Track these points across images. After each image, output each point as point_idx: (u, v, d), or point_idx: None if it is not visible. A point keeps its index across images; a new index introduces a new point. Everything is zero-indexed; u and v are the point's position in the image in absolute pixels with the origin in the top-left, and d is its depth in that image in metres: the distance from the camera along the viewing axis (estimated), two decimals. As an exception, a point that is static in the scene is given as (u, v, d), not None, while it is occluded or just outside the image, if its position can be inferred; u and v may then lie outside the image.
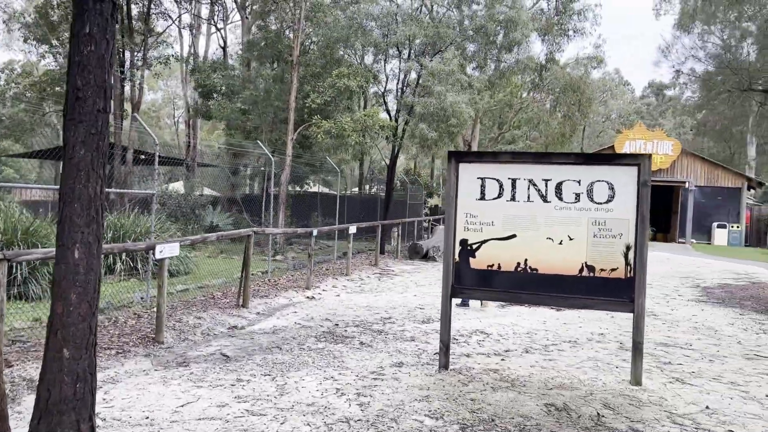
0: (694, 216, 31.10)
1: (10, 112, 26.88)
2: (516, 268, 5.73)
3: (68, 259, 3.47)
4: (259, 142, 12.97)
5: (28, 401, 4.80)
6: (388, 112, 19.70)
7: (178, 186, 25.77)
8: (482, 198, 5.86)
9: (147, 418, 4.46)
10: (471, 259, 5.85)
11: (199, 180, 25.42)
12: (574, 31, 23.87)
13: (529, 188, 5.73)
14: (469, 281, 5.86)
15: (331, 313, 8.93)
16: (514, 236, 5.75)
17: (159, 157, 21.87)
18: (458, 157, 5.98)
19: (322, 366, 5.98)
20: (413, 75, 17.85)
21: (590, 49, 37.08)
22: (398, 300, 10.36)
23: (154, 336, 6.91)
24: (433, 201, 33.51)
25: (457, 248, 5.89)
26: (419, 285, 12.46)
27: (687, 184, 31.50)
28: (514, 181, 5.78)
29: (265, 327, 7.91)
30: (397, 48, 18.25)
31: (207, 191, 25.36)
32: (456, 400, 5.01)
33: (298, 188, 26.88)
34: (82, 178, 3.49)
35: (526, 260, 5.70)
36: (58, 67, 23.46)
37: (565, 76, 25.28)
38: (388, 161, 20.41)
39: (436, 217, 26.00)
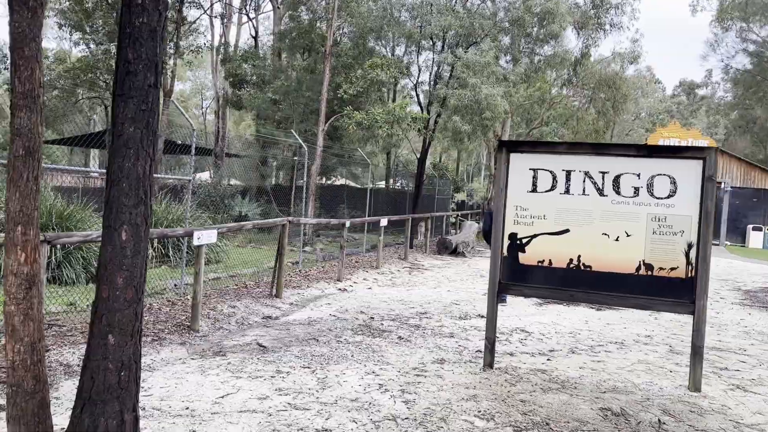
0: (728, 218, 30.30)
1: (42, 98, 27.07)
2: (568, 264, 5.47)
3: (115, 241, 3.31)
4: (293, 131, 12.82)
5: (65, 387, 4.70)
6: (420, 104, 19.42)
7: (204, 176, 25.83)
8: (534, 190, 5.59)
9: (187, 408, 4.31)
10: (520, 254, 5.60)
11: (229, 170, 25.43)
12: (611, 26, 23.31)
13: (584, 181, 5.46)
14: (518, 277, 5.61)
15: (365, 306, 8.74)
16: (567, 231, 5.48)
17: (183, 146, 21.90)
18: (510, 146, 5.72)
19: (362, 360, 5.79)
20: (446, 67, 17.53)
21: (627, 44, 36.30)
22: (432, 295, 10.13)
23: (189, 324, 6.78)
24: (460, 196, 33.16)
25: (506, 243, 5.64)
26: (451, 280, 12.21)
27: (722, 185, 30.69)
28: (568, 173, 5.50)
29: (300, 318, 7.74)
30: (431, 39, 17.94)
31: (233, 181, 25.36)
32: (505, 401, 4.78)
33: (325, 180, 26.77)
34: (131, 156, 3.32)
35: (579, 257, 5.44)
36: (89, 55, 23.64)
37: (600, 71, 24.74)
38: (418, 155, 20.15)
39: (464, 212, 25.67)
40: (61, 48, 37.68)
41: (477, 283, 11.66)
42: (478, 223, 24.69)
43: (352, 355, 5.94)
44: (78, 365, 5.20)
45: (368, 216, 16.33)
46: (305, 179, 13.69)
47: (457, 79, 16.69)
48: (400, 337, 6.80)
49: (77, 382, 4.78)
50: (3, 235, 4.47)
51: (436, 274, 13.08)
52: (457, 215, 24.90)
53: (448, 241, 17.71)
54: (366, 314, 8.12)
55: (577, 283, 5.44)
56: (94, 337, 3.32)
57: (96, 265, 9.27)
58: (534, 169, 5.60)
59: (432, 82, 18.49)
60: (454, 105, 16.08)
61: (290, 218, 9.16)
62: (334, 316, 7.94)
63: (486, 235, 10.44)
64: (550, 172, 5.55)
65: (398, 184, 34.36)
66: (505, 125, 24.27)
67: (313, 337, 6.69)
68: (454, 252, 17.57)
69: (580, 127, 25.33)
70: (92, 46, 23.73)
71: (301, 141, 12.53)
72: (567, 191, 5.51)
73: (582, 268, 5.43)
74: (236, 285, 9.72)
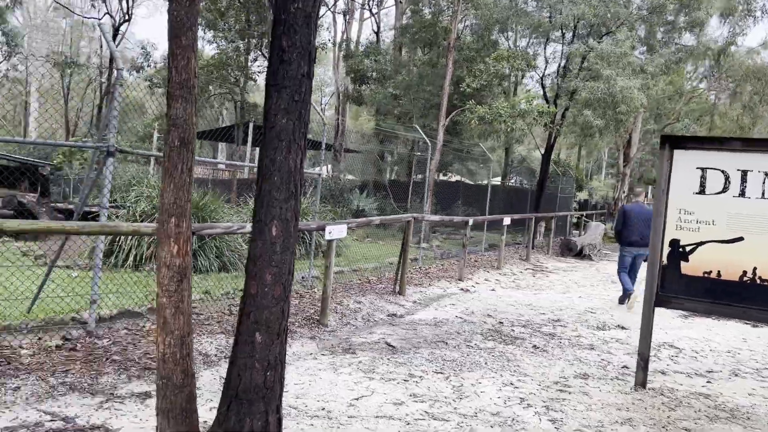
0: None
1: (197, 89, 28.90)
2: (741, 277, 4.79)
3: (265, 236, 3.21)
4: (416, 126, 12.66)
5: (205, 377, 4.75)
6: (546, 97, 18.58)
7: (321, 170, 26.34)
8: (701, 192, 4.96)
9: (323, 409, 4.19)
10: (683, 263, 4.99)
11: (346, 165, 25.83)
12: (763, 12, 21.06)
13: (764, 182, 4.75)
14: (679, 289, 5.00)
15: (491, 309, 8.36)
16: (740, 239, 4.80)
17: (309, 140, 22.35)
18: (674, 142, 5.11)
19: (497, 369, 5.44)
20: (576, 58, 16.59)
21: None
22: (562, 300, 9.54)
23: (318, 318, 6.75)
24: (582, 195, 31.61)
25: (666, 250, 5.05)
26: (580, 285, 11.49)
27: None
28: (744, 173, 4.82)
29: (425, 318, 7.51)
30: (561, 29, 17.07)
31: (349, 176, 25.71)
32: (666, 428, 4.25)
33: (441, 176, 26.47)
34: (282, 149, 3.20)
35: (755, 269, 4.74)
36: (221, 52, 24.84)
37: (747, 62, 22.47)
38: (540, 150, 19.31)
39: (588, 212, 24.37)
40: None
41: (610, 290, 10.87)
42: (604, 223, 23.35)
43: (485, 363, 5.60)
44: (216, 355, 5.28)
45: (487, 214, 15.82)
46: (427, 174, 13.43)
47: (588, 71, 15.74)
48: (535, 346, 6.37)
49: (215, 373, 4.84)
50: (156, 226, 4.61)
51: (563, 278, 12.38)
52: (582, 215, 23.68)
53: (573, 243, 16.80)
54: (494, 318, 7.74)
55: (752, 299, 4.75)
56: (241, 334, 3.24)
57: (227, 255, 9.58)
58: (702, 168, 4.96)
59: (560, 75, 17.59)
60: (585, 98, 15.16)
61: (415, 215, 8.95)
62: (460, 318, 7.63)
63: (618, 234, 9.77)
64: (722, 171, 4.89)
65: (512, 181, 33.34)
66: (637, 121, 22.71)
67: (442, 339, 6.42)
68: (579, 254, 16.64)
69: (721, 124, 23.17)
70: (224, 43, 24.90)
71: (424, 135, 12.30)
72: (742, 194, 4.83)
73: (759, 282, 4.73)
74: (359, 280, 9.67)
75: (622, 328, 7.72)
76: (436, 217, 10.14)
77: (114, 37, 24.56)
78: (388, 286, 9.29)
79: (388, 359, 5.53)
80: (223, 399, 3.28)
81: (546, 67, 18.49)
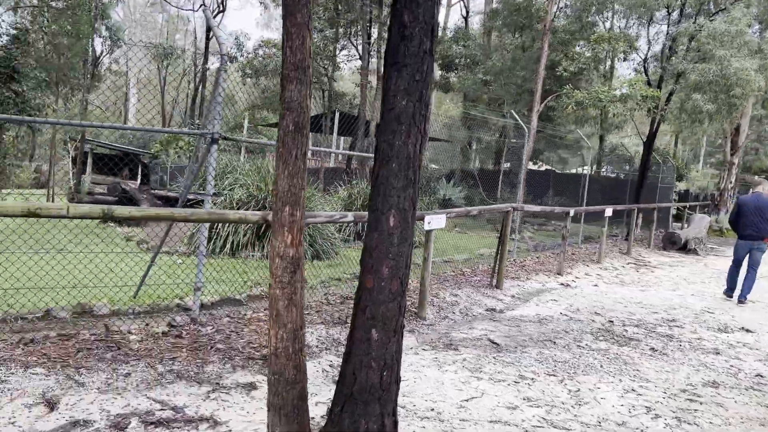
0: None
1: (266, 83, 29.65)
2: None
3: (382, 226, 2.99)
4: (512, 111, 12.13)
5: (308, 369, 4.62)
6: (648, 81, 17.46)
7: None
8: None
9: (432, 410, 3.95)
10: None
11: (433, 154, 25.48)
12: None
13: None
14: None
15: (597, 306, 7.85)
16: None
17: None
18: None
19: (614, 373, 5.01)
20: (683, 39, 15.42)
21: None
22: (673, 298, 8.85)
23: (416, 310, 6.54)
24: (682, 185, 29.75)
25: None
26: (690, 282, 10.67)
27: None
28: None
29: (528, 314, 7.13)
30: (667, 8, 15.92)
31: (432, 165, 25.35)
32: (824, 451, 3.72)
33: (530, 165, 25.60)
34: (402, 133, 2.96)
35: None
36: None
37: None
38: (642, 138, 18.20)
39: (692, 203, 22.84)
40: (280, 36, 40.91)
41: (723, 288, 10.01)
42: (710, 215, 21.83)
43: (601, 366, 5.19)
44: (317, 347, 5.16)
45: (584, 205, 15.06)
46: (524, 161, 12.90)
47: (697, 52, 14.59)
48: (653, 349, 5.86)
49: (317, 365, 4.71)
50: (267, 214, 4.51)
51: (669, 274, 11.56)
52: (686, 206, 22.22)
53: (677, 236, 15.73)
54: (602, 316, 7.24)
55: None
56: (356, 330, 3.05)
57: (320, 243, 9.52)
58: None
59: (666, 56, 16.42)
60: (694, 81, 14.05)
61: (514, 204, 8.54)
62: (565, 315, 7.20)
63: (733, 224, 9.05)
64: None
65: (603, 170, 31.79)
66: (747, 105, 20.98)
67: (549, 338, 6.04)
68: (683, 248, 15.57)
69: None
70: (314, 34, 25.15)
71: (520, 121, 11.77)
72: None
73: None
74: (453, 271, 9.39)
75: (748, 330, 7.03)
76: (537, 208, 9.68)
77: (208, 28, 25.26)
78: (484, 278, 8.95)
79: (494, 358, 5.23)
80: (337, 398, 3.11)
81: (648, 49, 17.34)
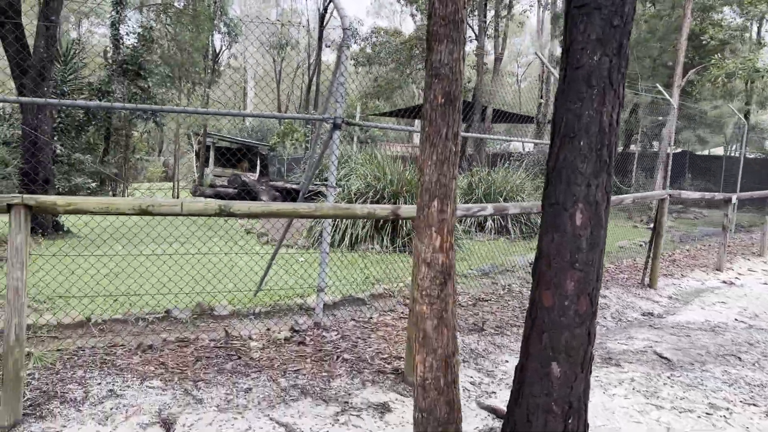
0: None
1: (378, 71, 29.39)
2: None
3: (565, 225, 2.25)
4: (658, 86, 10.78)
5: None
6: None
7: (517, 145, 24.94)
8: None
9: (609, 450, 3.16)
10: None
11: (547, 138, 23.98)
12: None
13: None
14: None
15: (778, 311, 6.58)
16: None
17: (507, 114, 21.10)
18: None
19: (834, 404, 3.93)
20: None
21: None
22: None
23: (561, 316, 5.69)
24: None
25: None
26: None
27: None
28: None
29: (694, 320, 6.05)
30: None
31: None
32: None
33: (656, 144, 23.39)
34: (593, 99, 2.20)
35: None
36: (417, 28, 24.46)
37: None
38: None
39: None
40: (391, 26, 40.59)
41: None
42: None
43: (813, 393, 4.11)
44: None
45: (738, 190, 13.27)
46: (670, 141, 11.47)
47: None
48: None
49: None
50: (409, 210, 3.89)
51: None
52: None
53: None
54: (790, 324, 6.01)
55: None
56: (530, 361, 2.34)
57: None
58: None
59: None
60: None
61: (670, 191, 7.39)
62: (742, 322, 6.04)
63: None
64: None
65: (733, 148, 28.55)
66: None
67: (731, 353, 4.99)
68: None
69: None
70: (422, 17, 24.48)
71: (668, 96, 10.40)
72: None
73: None
74: (592, 267, 8.37)
75: None
76: (696, 194, 8.40)
77: (321, 18, 25.32)
78: (631, 276, 7.88)
79: (668, 377, 4.30)
80: (503, 448, 2.43)
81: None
